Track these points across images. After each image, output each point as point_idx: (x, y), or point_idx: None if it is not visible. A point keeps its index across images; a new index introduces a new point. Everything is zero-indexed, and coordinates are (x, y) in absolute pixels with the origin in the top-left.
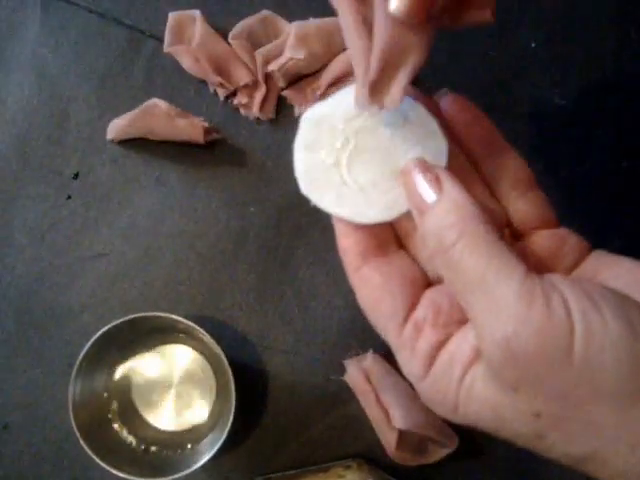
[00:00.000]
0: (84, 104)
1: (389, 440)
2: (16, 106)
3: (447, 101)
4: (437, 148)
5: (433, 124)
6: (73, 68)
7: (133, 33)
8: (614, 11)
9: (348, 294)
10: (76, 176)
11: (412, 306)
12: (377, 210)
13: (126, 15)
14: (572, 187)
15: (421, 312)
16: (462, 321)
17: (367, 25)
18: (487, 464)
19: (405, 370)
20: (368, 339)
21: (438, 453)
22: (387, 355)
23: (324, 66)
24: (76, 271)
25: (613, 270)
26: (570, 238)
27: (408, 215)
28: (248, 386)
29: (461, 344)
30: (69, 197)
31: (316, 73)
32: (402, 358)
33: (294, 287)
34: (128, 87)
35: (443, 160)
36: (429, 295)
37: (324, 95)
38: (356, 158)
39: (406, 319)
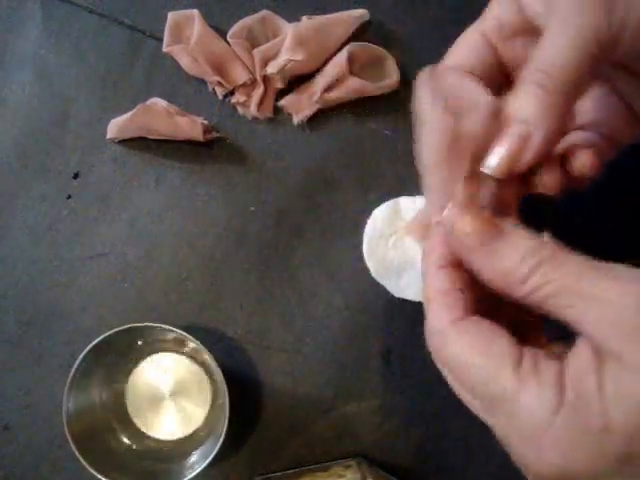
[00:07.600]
0: (84, 104)
1: None
2: (16, 106)
3: None
4: None
5: None
6: (73, 68)
7: (133, 33)
8: None
9: (348, 294)
10: (76, 176)
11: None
12: (390, 277)
13: (126, 15)
14: None
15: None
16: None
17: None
18: None
19: (528, 415)
20: (368, 339)
21: None
22: None
23: (320, 65)
24: (76, 271)
25: None
26: None
27: None
28: (248, 386)
29: (580, 354)
30: (69, 197)
31: (311, 75)
32: (527, 398)
33: (294, 287)
34: (128, 87)
35: None
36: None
37: (320, 101)
38: (398, 242)
39: (521, 356)
